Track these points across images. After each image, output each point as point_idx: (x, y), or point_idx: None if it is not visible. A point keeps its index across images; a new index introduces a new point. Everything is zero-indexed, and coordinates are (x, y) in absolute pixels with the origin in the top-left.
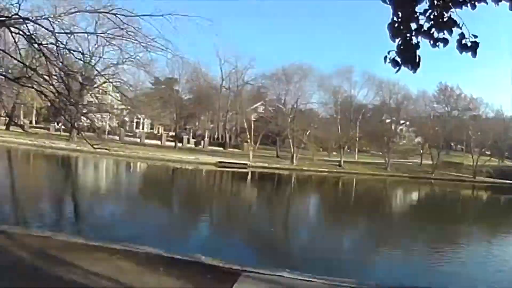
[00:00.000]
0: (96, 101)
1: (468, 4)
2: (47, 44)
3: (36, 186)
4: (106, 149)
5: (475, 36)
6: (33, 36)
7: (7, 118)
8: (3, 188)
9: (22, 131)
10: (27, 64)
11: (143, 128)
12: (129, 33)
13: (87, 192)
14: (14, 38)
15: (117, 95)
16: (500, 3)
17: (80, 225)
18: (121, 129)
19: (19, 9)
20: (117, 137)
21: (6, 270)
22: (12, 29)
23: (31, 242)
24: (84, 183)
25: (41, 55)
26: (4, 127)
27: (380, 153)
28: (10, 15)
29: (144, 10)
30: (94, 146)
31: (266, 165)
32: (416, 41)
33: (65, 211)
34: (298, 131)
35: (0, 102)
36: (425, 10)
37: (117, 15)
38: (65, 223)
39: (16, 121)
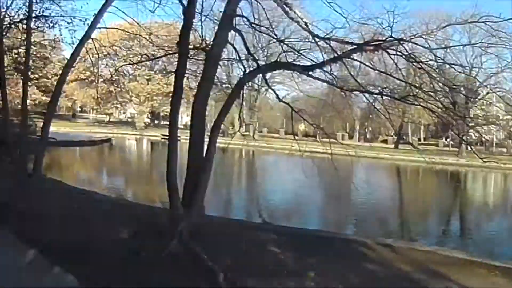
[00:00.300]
0: (482, 113)
1: None
2: (426, 61)
3: (423, 202)
4: (495, 162)
5: None
6: (411, 55)
7: (395, 137)
8: (391, 203)
9: (410, 148)
10: (410, 82)
11: None
12: (502, 39)
13: (474, 207)
14: (392, 59)
15: (501, 105)
16: None
17: (464, 240)
18: (509, 140)
19: (391, 31)
20: (504, 149)
21: (392, 281)
22: (389, 51)
23: (414, 256)
24: (471, 198)
25: (423, 72)
26: (392, 146)
27: None
28: (384, 39)
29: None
30: (484, 159)
31: None
32: None
33: (451, 225)
34: None
35: (389, 121)
36: None
37: (486, 22)
38: (450, 237)
39: (404, 138)
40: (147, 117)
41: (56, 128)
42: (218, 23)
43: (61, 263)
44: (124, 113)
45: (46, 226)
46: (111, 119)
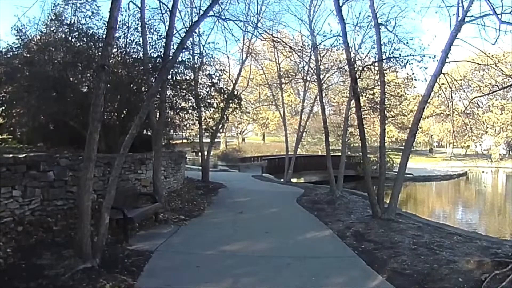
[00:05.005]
0: None
1: None
2: None
3: None
4: None
5: None
6: None
7: None
8: None
9: None
10: None
11: None
12: None
13: None
14: None
15: None
16: None
17: None
18: None
19: None
20: None
21: None
22: None
23: None
24: None
25: None
26: None
27: None
28: None
29: None
30: None
31: None
32: None
33: None
34: None
35: None
36: None
37: None
38: None
39: None
40: (502, 148)
41: (414, 163)
42: None
43: None
44: (480, 145)
45: (395, 255)
46: (467, 152)
